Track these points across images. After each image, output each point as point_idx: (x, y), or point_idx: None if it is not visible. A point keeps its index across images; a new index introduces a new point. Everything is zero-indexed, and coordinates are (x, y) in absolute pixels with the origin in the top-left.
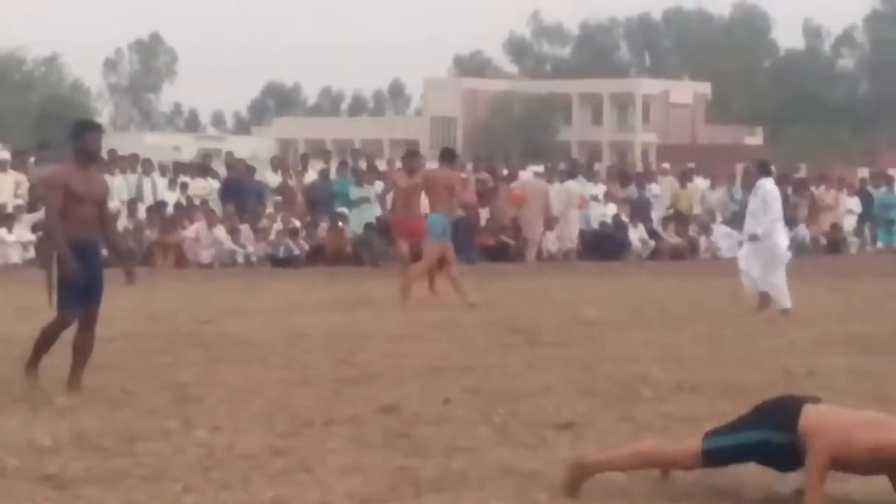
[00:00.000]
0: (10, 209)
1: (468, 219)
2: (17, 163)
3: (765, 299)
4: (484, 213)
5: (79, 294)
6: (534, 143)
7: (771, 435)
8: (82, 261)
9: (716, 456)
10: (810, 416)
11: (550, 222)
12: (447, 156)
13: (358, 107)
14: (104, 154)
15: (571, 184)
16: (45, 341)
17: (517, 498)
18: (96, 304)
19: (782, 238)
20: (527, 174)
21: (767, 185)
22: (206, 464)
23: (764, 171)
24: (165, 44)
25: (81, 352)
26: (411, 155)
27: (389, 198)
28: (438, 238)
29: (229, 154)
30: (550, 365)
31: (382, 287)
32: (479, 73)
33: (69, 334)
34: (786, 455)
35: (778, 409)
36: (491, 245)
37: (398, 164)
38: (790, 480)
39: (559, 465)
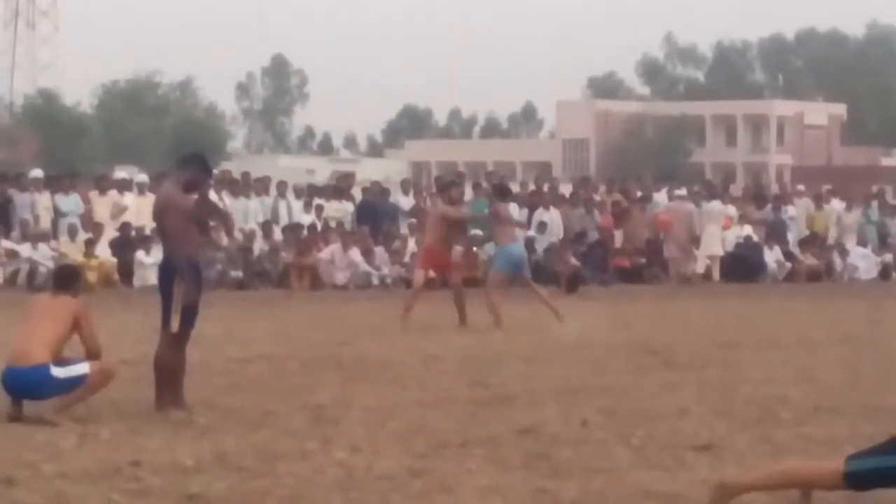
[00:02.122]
0: (147, 231)
1: (602, 241)
2: (157, 186)
3: None
4: (618, 235)
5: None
6: (667, 165)
7: None
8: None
9: (858, 479)
10: None
11: (695, 243)
12: (505, 192)
13: (491, 130)
14: (237, 176)
15: (714, 204)
16: (169, 370)
17: None
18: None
19: None
20: (661, 196)
21: None
22: (346, 485)
23: None
24: (294, 66)
25: (181, 371)
26: (454, 184)
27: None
28: (507, 269)
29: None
30: (687, 387)
31: (515, 309)
32: (611, 94)
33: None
34: None
35: None
36: (626, 267)
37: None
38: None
39: (699, 487)
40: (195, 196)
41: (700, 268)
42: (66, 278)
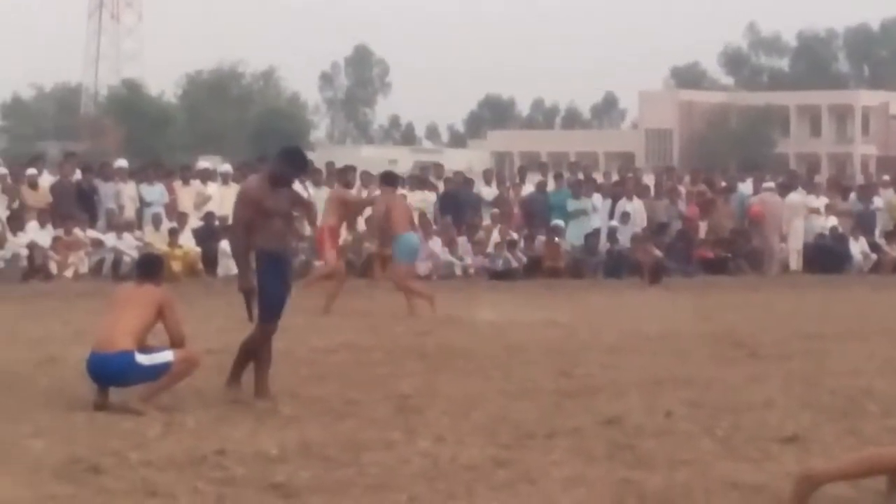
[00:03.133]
0: (231, 221)
1: (686, 232)
2: (240, 175)
3: None
4: (702, 226)
5: (280, 305)
6: (751, 156)
7: None
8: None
9: None
10: None
11: (783, 237)
12: (393, 180)
13: (572, 120)
14: (322, 167)
15: (797, 196)
16: (246, 355)
17: None
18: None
19: None
20: (746, 186)
21: None
22: (431, 474)
23: None
24: (376, 56)
25: (267, 362)
26: (349, 169)
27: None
28: (410, 259)
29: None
30: (772, 378)
31: (599, 300)
32: (694, 84)
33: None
34: None
35: None
36: (710, 258)
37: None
38: None
39: (785, 478)
40: (278, 190)
41: (793, 263)
42: (150, 267)
